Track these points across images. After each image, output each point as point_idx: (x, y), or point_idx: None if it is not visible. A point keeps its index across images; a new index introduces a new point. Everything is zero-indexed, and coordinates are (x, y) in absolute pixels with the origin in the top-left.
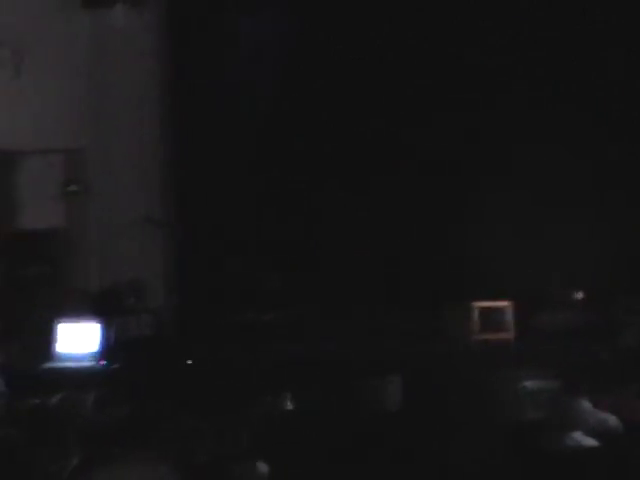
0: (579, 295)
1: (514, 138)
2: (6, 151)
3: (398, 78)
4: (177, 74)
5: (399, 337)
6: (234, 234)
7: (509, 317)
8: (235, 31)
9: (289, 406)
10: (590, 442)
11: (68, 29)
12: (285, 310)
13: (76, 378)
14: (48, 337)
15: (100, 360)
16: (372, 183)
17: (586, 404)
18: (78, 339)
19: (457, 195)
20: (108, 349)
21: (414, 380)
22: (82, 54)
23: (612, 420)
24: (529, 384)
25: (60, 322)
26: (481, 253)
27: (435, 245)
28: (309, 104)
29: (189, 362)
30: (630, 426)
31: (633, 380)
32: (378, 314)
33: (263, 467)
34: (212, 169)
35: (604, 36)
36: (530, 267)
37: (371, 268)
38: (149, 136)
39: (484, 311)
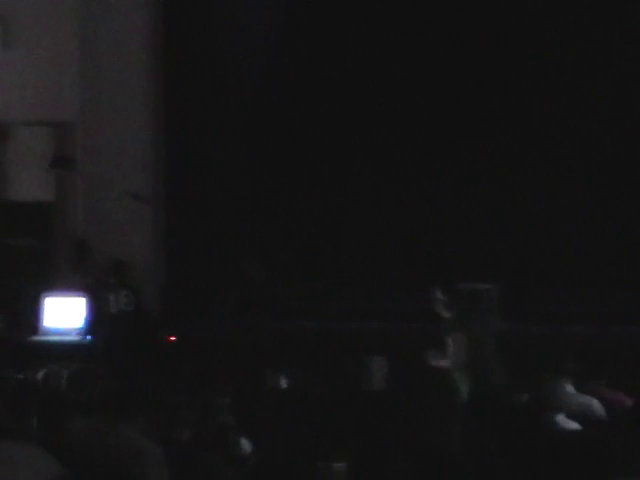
0: None
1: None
2: None
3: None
4: (169, 49)
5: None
6: (221, 215)
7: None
8: (230, 6)
9: (271, 383)
10: (573, 425)
11: (58, 1)
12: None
13: (61, 352)
14: (35, 310)
15: (85, 335)
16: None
17: (569, 387)
18: (64, 313)
19: None
20: (93, 324)
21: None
22: (72, 27)
23: (595, 404)
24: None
25: (47, 296)
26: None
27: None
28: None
29: (172, 338)
30: (611, 411)
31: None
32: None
33: (246, 444)
34: (201, 148)
35: None
36: None
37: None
38: (138, 112)
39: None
